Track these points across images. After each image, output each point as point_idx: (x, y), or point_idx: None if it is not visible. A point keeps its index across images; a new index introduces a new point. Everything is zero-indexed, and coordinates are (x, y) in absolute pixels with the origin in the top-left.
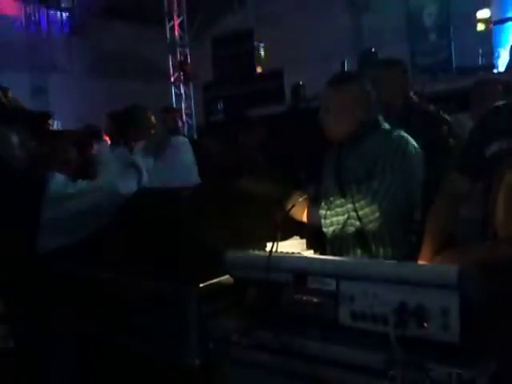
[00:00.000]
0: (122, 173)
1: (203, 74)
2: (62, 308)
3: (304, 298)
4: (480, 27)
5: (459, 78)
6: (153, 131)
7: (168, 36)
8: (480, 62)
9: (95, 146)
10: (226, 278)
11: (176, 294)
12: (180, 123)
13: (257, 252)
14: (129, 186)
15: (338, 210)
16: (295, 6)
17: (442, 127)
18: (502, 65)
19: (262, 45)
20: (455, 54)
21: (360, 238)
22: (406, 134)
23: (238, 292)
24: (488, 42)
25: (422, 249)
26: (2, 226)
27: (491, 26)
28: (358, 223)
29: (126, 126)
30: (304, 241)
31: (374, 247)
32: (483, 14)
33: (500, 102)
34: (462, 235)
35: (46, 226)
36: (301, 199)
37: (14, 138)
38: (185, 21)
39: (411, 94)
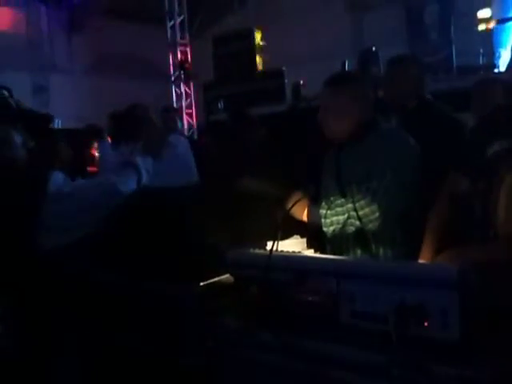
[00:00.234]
0: (121, 172)
1: (204, 74)
2: (60, 308)
3: (304, 297)
4: (481, 27)
5: (460, 77)
6: (153, 130)
7: (169, 35)
8: (481, 62)
9: (96, 145)
10: (226, 276)
11: (176, 293)
12: (180, 123)
13: (257, 251)
14: (128, 185)
15: (338, 209)
16: (296, 6)
17: (459, 130)
18: (502, 64)
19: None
20: (456, 54)
21: (360, 238)
22: (405, 134)
23: (238, 291)
24: (489, 42)
25: (423, 248)
26: (1, 225)
27: (494, 25)
28: (358, 223)
29: (127, 125)
30: (304, 240)
31: (374, 247)
32: (484, 13)
33: (501, 102)
34: (463, 235)
35: (45, 225)
36: (301, 199)
37: (18, 138)
38: (185, 20)
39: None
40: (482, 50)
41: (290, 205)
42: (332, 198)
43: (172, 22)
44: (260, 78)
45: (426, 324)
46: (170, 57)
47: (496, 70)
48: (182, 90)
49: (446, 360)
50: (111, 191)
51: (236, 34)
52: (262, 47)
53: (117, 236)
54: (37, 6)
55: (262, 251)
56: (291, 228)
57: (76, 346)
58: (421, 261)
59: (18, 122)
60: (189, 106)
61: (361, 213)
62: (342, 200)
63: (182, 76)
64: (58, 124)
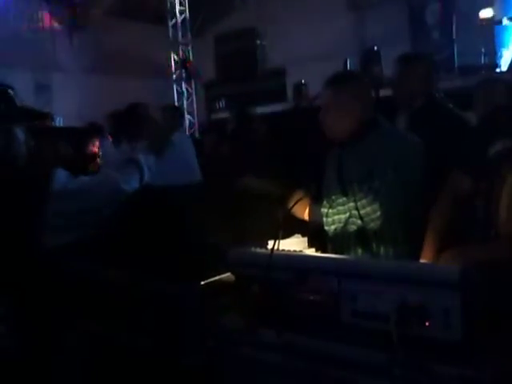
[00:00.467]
0: (124, 170)
1: (205, 73)
2: (62, 306)
3: (305, 296)
4: (483, 26)
5: (461, 77)
6: (155, 129)
7: (170, 34)
8: (482, 62)
9: (97, 143)
10: (227, 275)
11: (177, 292)
12: (181, 121)
13: (258, 250)
14: (131, 184)
15: (340, 208)
16: (297, 5)
17: (465, 129)
18: (504, 64)
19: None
20: (457, 53)
21: (361, 237)
22: (407, 133)
23: (239, 290)
24: (491, 41)
25: (424, 248)
26: (6, 224)
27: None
28: (359, 222)
29: (128, 123)
30: (305, 239)
31: (375, 246)
32: (486, 12)
33: (503, 102)
34: (465, 235)
35: (48, 223)
36: (302, 198)
37: (20, 136)
38: (187, 19)
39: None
40: (483, 50)
41: (291, 204)
42: (334, 197)
43: (174, 21)
44: (262, 77)
45: (427, 324)
46: (172, 55)
47: (498, 70)
48: (184, 88)
49: (447, 360)
50: (114, 191)
51: (238, 33)
52: (263, 46)
53: (119, 234)
54: (39, 5)
55: (263, 250)
56: (292, 227)
57: (77, 346)
58: (422, 260)
59: (20, 120)
60: (190, 105)
61: (362, 212)
62: (344, 199)
63: (184, 75)
64: (59, 122)
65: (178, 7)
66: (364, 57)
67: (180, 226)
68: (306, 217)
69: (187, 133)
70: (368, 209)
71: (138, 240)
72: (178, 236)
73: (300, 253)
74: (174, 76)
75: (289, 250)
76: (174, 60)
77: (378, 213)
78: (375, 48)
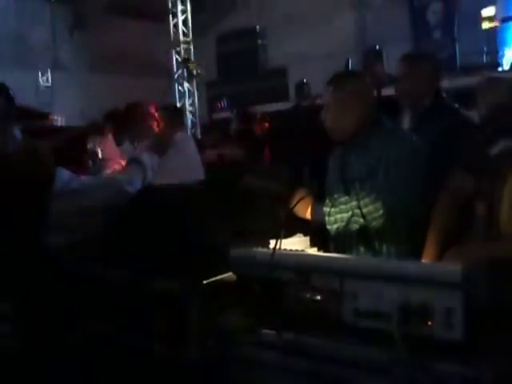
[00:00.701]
0: (127, 169)
1: (207, 72)
2: (65, 305)
3: (307, 295)
4: (485, 25)
5: (463, 76)
6: (156, 128)
7: (172, 33)
8: (484, 61)
9: (98, 142)
10: (228, 275)
11: (178, 292)
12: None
13: (260, 249)
14: (134, 184)
15: (342, 207)
16: (299, 4)
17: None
18: (506, 63)
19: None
20: (459, 53)
21: (364, 236)
22: (409, 132)
23: (241, 290)
24: (493, 41)
25: (426, 247)
26: (9, 224)
27: (498, 24)
28: (361, 220)
29: (129, 123)
30: (307, 238)
31: (377, 245)
32: (488, 11)
33: (505, 101)
34: (466, 234)
35: (52, 223)
36: (305, 196)
37: (18, 135)
38: (189, 18)
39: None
40: (485, 49)
41: (293, 203)
42: (336, 196)
43: (175, 20)
44: (263, 76)
45: (429, 323)
46: (174, 54)
47: (500, 69)
48: (185, 88)
49: (449, 359)
50: (117, 191)
51: (239, 33)
52: (265, 46)
53: (120, 234)
54: (40, 4)
55: (264, 250)
56: (294, 226)
57: (78, 345)
58: (424, 259)
59: (19, 120)
60: (192, 104)
61: (365, 210)
62: (346, 198)
63: (185, 74)
64: (61, 122)
65: (179, 6)
66: (366, 56)
67: (182, 226)
68: (308, 216)
69: (188, 132)
70: (370, 207)
71: (140, 239)
72: (179, 235)
73: (302, 252)
74: (176, 75)
75: (291, 250)
76: (176, 59)
77: (381, 211)
78: (377, 47)
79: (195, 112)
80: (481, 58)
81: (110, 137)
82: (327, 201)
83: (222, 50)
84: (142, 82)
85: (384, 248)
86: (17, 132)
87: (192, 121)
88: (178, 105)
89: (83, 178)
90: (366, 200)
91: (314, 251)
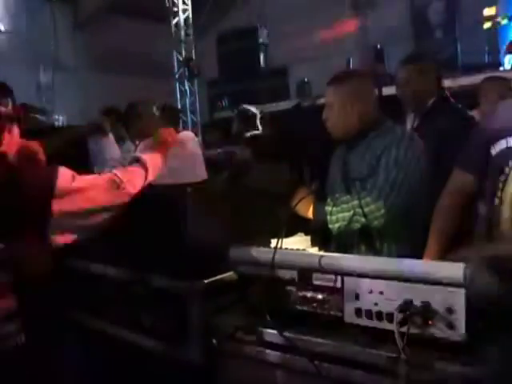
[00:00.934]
0: (128, 168)
1: (208, 71)
2: (68, 304)
3: (309, 295)
4: (487, 25)
5: (465, 75)
6: (157, 127)
7: (173, 32)
8: (486, 60)
9: (100, 141)
10: (230, 274)
11: (180, 291)
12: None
13: (261, 248)
14: (136, 185)
15: (344, 206)
16: (300, 3)
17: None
18: (508, 63)
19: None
20: (461, 52)
21: (365, 235)
22: (410, 131)
23: (242, 288)
24: (494, 40)
25: (428, 246)
26: (13, 224)
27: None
28: (363, 219)
29: (131, 121)
30: (309, 237)
31: (379, 244)
32: (490, 11)
33: (507, 100)
34: (467, 233)
35: (54, 221)
36: (306, 196)
37: (15, 133)
38: (190, 17)
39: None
40: (487, 48)
41: (294, 202)
42: (338, 195)
43: (176, 20)
44: (264, 75)
45: (430, 323)
46: (174, 54)
47: (501, 68)
48: (186, 87)
49: (450, 359)
50: (119, 191)
51: (240, 32)
52: (266, 45)
53: (121, 233)
54: (41, 3)
55: (266, 248)
56: (295, 226)
57: (79, 343)
58: (425, 258)
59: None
60: (193, 104)
61: (366, 209)
62: (348, 197)
63: (186, 73)
64: (62, 121)
65: (180, 6)
66: (367, 55)
67: (183, 225)
68: (309, 215)
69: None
70: (372, 206)
71: (141, 239)
72: (180, 234)
73: (303, 251)
74: (177, 75)
75: (292, 249)
76: (177, 59)
77: (382, 211)
78: (378, 46)
79: (196, 111)
80: (482, 57)
81: (110, 136)
82: (329, 200)
83: (223, 50)
84: (143, 82)
85: (385, 247)
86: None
87: (193, 120)
88: (179, 104)
89: (84, 177)
90: (368, 199)
91: (315, 250)
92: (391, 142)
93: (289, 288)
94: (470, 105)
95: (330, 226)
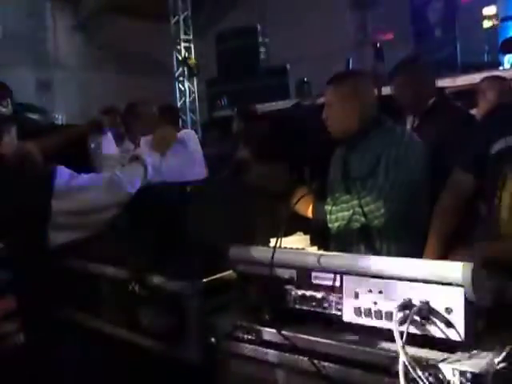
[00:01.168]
0: (128, 168)
1: (207, 70)
2: (67, 303)
3: (308, 294)
4: (486, 24)
5: (464, 74)
6: (157, 126)
7: (172, 32)
8: (485, 59)
9: (99, 140)
10: (229, 273)
11: (179, 290)
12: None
13: (260, 247)
14: (135, 184)
15: (344, 205)
16: (300, 3)
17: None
18: (507, 62)
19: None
20: (460, 51)
21: (365, 234)
22: (409, 130)
23: (241, 287)
24: (494, 39)
25: (427, 245)
26: (12, 223)
27: (498, 22)
28: (363, 219)
29: (130, 120)
30: (308, 237)
31: (378, 243)
32: (489, 10)
33: (506, 100)
34: (467, 233)
35: (53, 221)
36: (306, 195)
37: (13, 134)
38: (189, 16)
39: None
40: (486, 48)
41: (294, 201)
42: (337, 194)
43: (176, 19)
44: (264, 74)
45: (430, 322)
46: (174, 53)
47: (501, 68)
48: (186, 86)
49: (450, 358)
50: (118, 190)
51: (239, 31)
52: (265, 44)
53: (120, 232)
54: (41, 3)
55: (265, 247)
56: (295, 225)
57: (78, 343)
58: (425, 257)
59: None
60: (192, 103)
61: (366, 209)
62: (348, 196)
63: (186, 73)
64: (61, 120)
65: (180, 5)
66: (366, 55)
67: (182, 223)
68: (309, 214)
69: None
70: (372, 206)
71: (140, 238)
72: (180, 234)
73: (302, 250)
74: (176, 74)
75: (291, 248)
76: (176, 58)
77: (382, 210)
78: (378, 46)
79: (195, 110)
80: (482, 56)
81: (109, 135)
82: (328, 199)
83: (222, 48)
84: (142, 81)
85: (385, 246)
86: (13, 132)
87: (192, 119)
88: (179, 103)
89: (83, 176)
90: (368, 199)
91: (314, 249)
92: (391, 141)
93: (288, 287)
94: (470, 104)
95: (330, 225)
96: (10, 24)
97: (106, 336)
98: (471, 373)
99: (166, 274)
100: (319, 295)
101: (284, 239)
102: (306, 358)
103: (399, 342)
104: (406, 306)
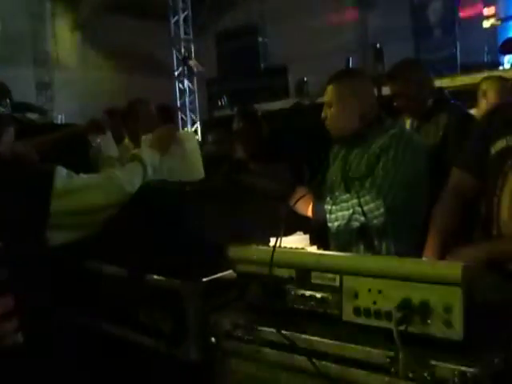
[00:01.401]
0: (127, 167)
1: (207, 70)
2: (66, 302)
3: (307, 293)
4: (486, 24)
5: (464, 74)
6: (157, 125)
7: (172, 31)
8: (485, 60)
9: (98, 140)
10: (228, 272)
11: (179, 289)
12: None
13: (260, 247)
14: (134, 184)
15: (343, 205)
16: (300, 2)
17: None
18: (507, 62)
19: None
20: (460, 51)
21: (364, 234)
22: (409, 129)
23: (241, 287)
24: (493, 40)
25: (427, 245)
26: (11, 223)
27: (498, 22)
28: (362, 218)
29: (130, 120)
30: (307, 236)
31: (378, 242)
32: (489, 10)
33: (506, 100)
34: (466, 233)
35: (52, 220)
36: (305, 194)
37: (12, 133)
38: (189, 16)
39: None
40: (486, 48)
41: (293, 200)
42: (337, 194)
43: (176, 18)
44: (263, 74)
45: (429, 321)
46: (174, 53)
47: (501, 68)
48: (186, 85)
49: (449, 358)
50: (117, 190)
51: (239, 30)
52: (265, 43)
53: (120, 232)
54: (41, 2)
55: (265, 247)
56: (294, 224)
57: (78, 342)
58: (425, 257)
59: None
60: (192, 102)
61: (365, 208)
62: (347, 195)
63: (186, 72)
64: (61, 120)
65: (180, 4)
66: (366, 54)
67: (181, 223)
68: (308, 213)
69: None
70: (371, 205)
71: (140, 237)
72: (179, 233)
73: (302, 250)
74: (176, 73)
75: (291, 248)
76: (176, 57)
77: (382, 209)
78: (378, 45)
79: (195, 110)
80: (481, 57)
81: (109, 134)
82: (328, 198)
83: (222, 48)
84: (142, 81)
85: (384, 246)
86: (11, 131)
87: (192, 119)
88: (179, 103)
89: (83, 176)
90: (367, 198)
91: (313, 249)
92: (391, 141)
93: (287, 286)
94: (469, 104)
95: (330, 224)
96: (10, 24)
97: (106, 335)
98: (471, 373)
99: (166, 274)
100: (318, 295)
101: (284, 239)
102: (305, 358)
103: (398, 342)
104: (406, 305)
